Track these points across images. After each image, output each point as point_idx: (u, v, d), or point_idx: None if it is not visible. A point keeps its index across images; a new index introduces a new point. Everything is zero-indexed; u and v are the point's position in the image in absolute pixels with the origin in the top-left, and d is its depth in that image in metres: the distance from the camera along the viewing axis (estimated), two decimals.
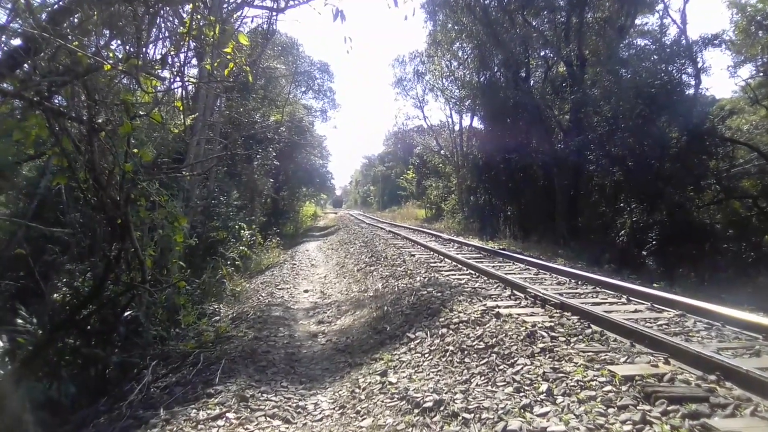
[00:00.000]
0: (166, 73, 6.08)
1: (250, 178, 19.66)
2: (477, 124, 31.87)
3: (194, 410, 4.45)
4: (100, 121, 5.31)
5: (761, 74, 20.94)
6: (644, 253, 20.36)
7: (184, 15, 5.41)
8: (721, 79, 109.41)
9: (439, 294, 7.62)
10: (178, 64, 5.87)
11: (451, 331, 5.81)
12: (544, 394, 3.78)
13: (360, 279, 11.59)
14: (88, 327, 6.40)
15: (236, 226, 13.87)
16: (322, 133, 46.34)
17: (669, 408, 3.35)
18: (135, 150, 5.79)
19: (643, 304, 6.56)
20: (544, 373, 4.13)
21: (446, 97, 34.03)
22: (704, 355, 4.06)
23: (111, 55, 5.24)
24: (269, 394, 5.02)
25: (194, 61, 9.71)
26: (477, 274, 9.36)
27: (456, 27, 28.70)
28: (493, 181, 26.46)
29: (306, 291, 11.63)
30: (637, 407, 3.41)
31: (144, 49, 6.04)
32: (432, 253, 13.00)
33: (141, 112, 5.78)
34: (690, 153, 19.27)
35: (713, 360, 3.96)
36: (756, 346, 4.66)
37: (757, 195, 20.75)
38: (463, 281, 8.58)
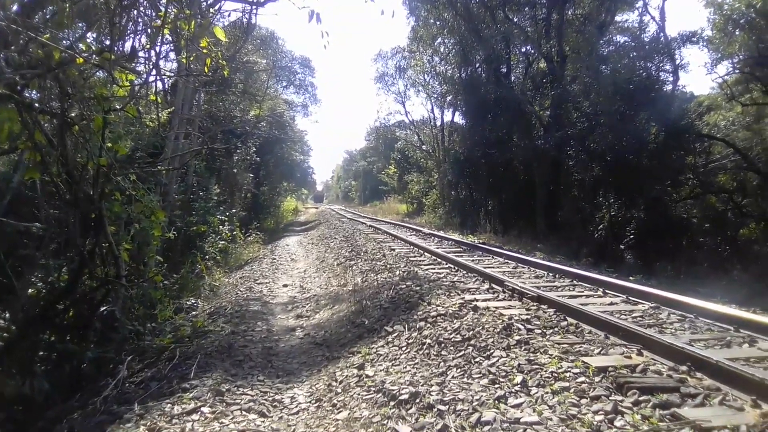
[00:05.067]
0: (141, 67, 6.02)
1: (229, 173, 19.52)
2: (458, 119, 32.06)
3: (169, 405, 4.41)
4: (73, 114, 5.24)
5: (738, 71, 21.25)
6: (622, 247, 20.61)
7: (161, 7, 5.33)
8: (698, 76, 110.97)
9: (418, 288, 7.63)
10: (154, 57, 5.80)
11: (428, 325, 5.83)
12: (519, 386, 3.81)
13: (340, 273, 11.57)
14: (63, 322, 6.32)
15: (215, 221, 13.77)
16: (303, 128, 46.08)
17: (640, 398, 3.40)
18: (110, 144, 5.73)
19: (619, 296, 6.64)
20: (519, 365, 4.16)
21: (428, 92, 34.16)
22: (676, 346, 4.12)
23: (84, 48, 5.17)
24: (245, 388, 5.00)
25: (172, 55, 9.60)
26: (456, 268, 9.40)
27: (438, 23, 28.78)
28: (474, 176, 26.56)
29: (285, 285, 11.58)
30: (610, 398, 3.45)
31: (120, 43, 5.96)
32: (412, 247, 13.02)
33: (116, 106, 5.71)
34: (668, 149, 19.52)
35: (685, 351, 4.02)
36: (727, 338, 4.74)
37: (732, 190, 21.11)
38: (442, 275, 8.61)
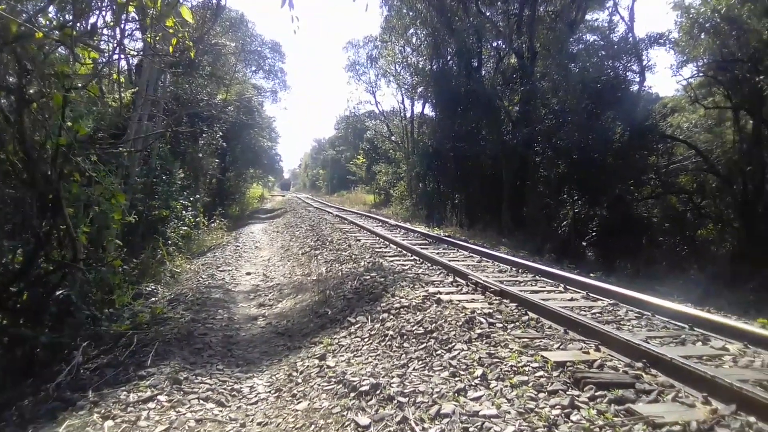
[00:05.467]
0: (105, 45, 5.85)
1: (194, 158, 19.17)
2: (428, 111, 32.02)
3: (125, 392, 4.33)
4: (32, 91, 5.08)
5: (702, 75, 21.71)
6: (584, 243, 20.98)
7: None
8: (664, 78, 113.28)
9: (383, 279, 7.64)
10: (119, 35, 5.65)
11: (391, 316, 5.84)
12: (479, 379, 3.83)
13: (304, 263, 11.51)
14: (17, 305, 6.13)
15: (178, 206, 13.53)
16: (271, 114, 45.71)
17: (597, 393, 3.45)
18: (70, 123, 5.56)
19: (579, 293, 6.73)
20: (480, 358, 4.19)
21: (399, 83, 34.07)
22: (633, 343, 4.20)
23: (45, 22, 5.00)
24: (204, 377, 4.93)
25: (137, 34, 9.36)
26: (421, 260, 9.42)
27: (411, 13, 28.70)
28: (442, 168, 26.64)
29: (248, 273, 11.47)
30: (567, 392, 3.50)
31: (83, 19, 5.78)
32: (378, 238, 13.01)
33: (78, 84, 5.54)
34: (632, 148, 19.90)
35: (641, 348, 4.09)
36: (682, 335, 4.85)
37: (692, 191, 21.65)
38: (406, 267, 8.63)
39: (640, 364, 3.91)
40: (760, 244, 17.67)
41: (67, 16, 5.60)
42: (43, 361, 5.81)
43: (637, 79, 21.25)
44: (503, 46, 26.01)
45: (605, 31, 23.55)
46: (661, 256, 20.39)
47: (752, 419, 3.04)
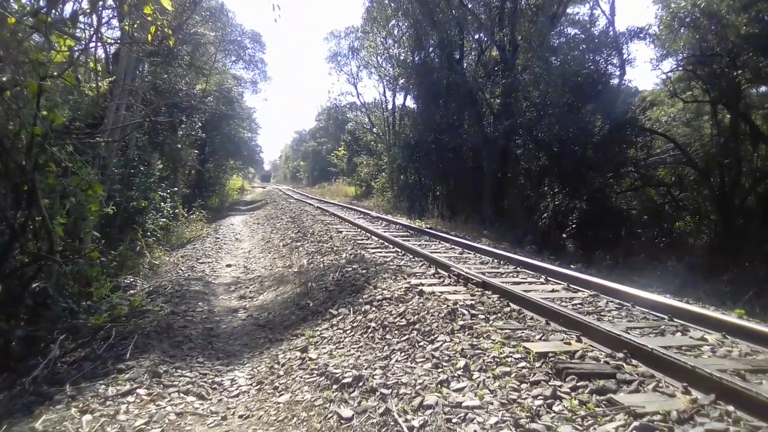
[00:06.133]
0: (81, 33, 5.71)
1: (173, 148, 18.93)
2: (410, 103, 31.99)
3: (103, 386, 4.27)
4: (4, 79, 4.94)
5: (681, 69, 21.90)
6: (564, 235, 21.16)
7: None
8: (644, 72, 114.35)
9: (364, 271, 7.62)
10: (96, 22, 5.53)
11: (374, 308, 5.83)
12: (462, 370, 3.83)
13: (285, 254, 11.45)
14: None
15: (157, 197, 13.37)
16: (251, 105, 45.26)
17: (578, 384, 3.46)
18: (45, 113, 5.43)
19: (560, 284, 6.78)
20: (462, 349, 4.19)
21: (380, 74, 33.92)
22: (613, 333, 4.23)
23: (18, 7, 4.87)
24: (184, 370, 4.88)
25: (115, 22, 9.19)
26: (403, 252, 9.42)
27: (392, 4, 28.59)
28: (424, 160, 26.65)
29: (229, 265, 11.39)
30: (549, 383, 3.51)
31: (59, 5, 5.65)
32: (359, 230, 12.98)
33: (53, 73, 5.41)
34: (611, 141, 20.05)
35: (621, 338, 4.12)
36: (662, 326, 4.90)
37: (671, 184, 21.90)
38: (388, 259, 8.61)
39: (621, 355, 3.94)
40: (737, 237, 17.97)
41: (41, 2, 5.46)
42: (19, 355, 5.70)
43: (618, 73, 21.40)
44: (485, 39, 26.03)
45: (586, 25, 23.66)
46: (640, 247, 20.65)
47: (731, 408, 3.07)
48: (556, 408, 3.18)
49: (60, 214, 6.52)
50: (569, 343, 4.25)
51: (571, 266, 9.74)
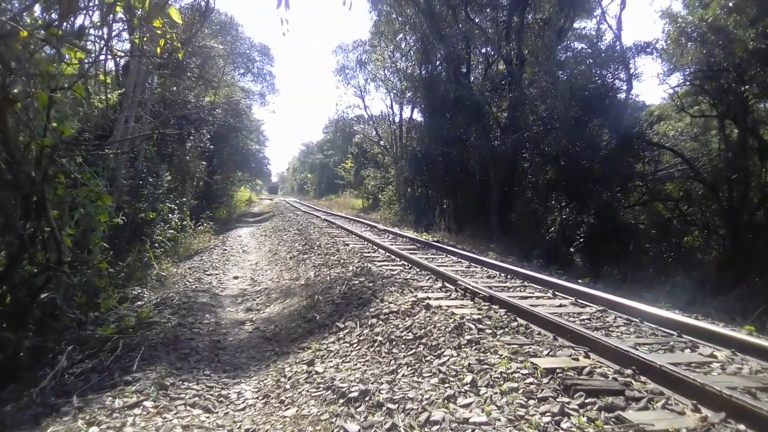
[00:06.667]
0: (92, 45, 5.78)
1: (181, 160, 19.05)
2: (417, 116, 32.11)
3: (110, 398, 4.27)
4: (15, 91, 4.99)
5: (688, 83, 21.90)
6: (572, 250, 21.08)
7: None
8: (651, 86, 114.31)
9: (371, 284, 7.60)
10: (106, 35, 5.58)
11: (380, 322, 5.81)
12: (469, 386, 3.81)
13: (292, 267, 11.45)
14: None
15: (165, 209, 13.42)
16: (260, 118, 45.64)
17: (587, 400, 3.43)
18: (55, 124, 5.48)
19: (568, 299, 6.74)
20: (469, 364, 4.16)
21: (388, 88, 34.12)
22: (622, 349, 4.19)
23: (30, 21, 4.93)
24: (191, 383, 4.87)
25: (125, 35, 9.27)
26: (410, 265, 9.40)
27: (400, 18, 28.77)
28: (431, 173, 26.67)
29: (236, 277, 11.40)
30: (557, 399, 3.48)
31: (70, 18, 5.71)
32: (366, 243, 12.98)
33: (63, 85, 5.46)
34: (619, 155, 19.98)
35: (630, 355, 4.09)
36: (671, 342, 4.86)
37: (678, 198, 21.81)
38: (395, 272, 8.59)
39: (629, 371, 3.91)
40: (746, 252, 17.83)
41: (53, 15, 5.53)
42: (27, 366, 5.71)
43: (625, 87, 21.38)
44: (492, 53, 26.12)
45: (593, 40, 23.72)
46: (648, 262, 20.53)
47: (742, 427, 3.04)
48: (564, 425, 3.15)
49: (69, 225, 6.55)
50: (577, 359, 4.21)
51: (579, 281, 9.69)
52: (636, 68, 23.44)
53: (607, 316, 5.87)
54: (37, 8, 5.65)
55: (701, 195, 21.43)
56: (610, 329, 5.34)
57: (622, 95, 21.35)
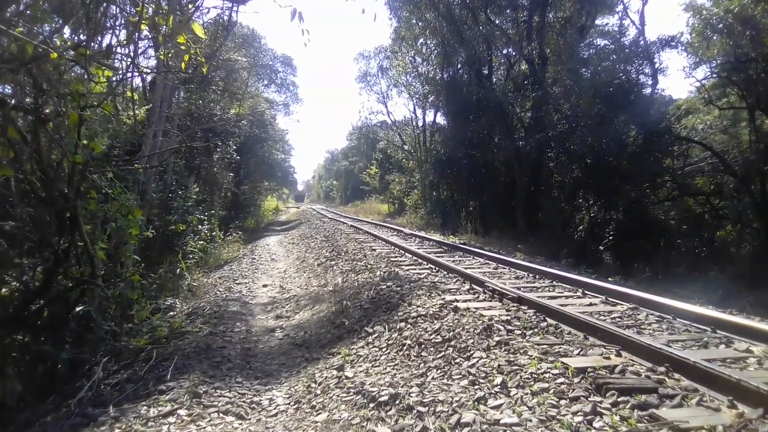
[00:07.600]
0: (119, 63, 5.91)
1: (209, 172, 19.35)
2: (440, 120, 32.13)
3: (145, 407, 4.35)
4: (47, 110, 5.14)
5: (715, 76, 21.54)
6: (601, 248, 20.81)
7: (139, 2, 5.23)
8: (677, 80, 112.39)
9: (399, 288, 7.62)
10: (132, 53, 5.71)
11: (409, 325, 5.82)
12: (499, 387, 3.79)
13: (320, 273, 11.52)
14: (37, 323, 6.19)
15: (194, 220, 13.63)
16: (284, 127, 45.97)
17: (619, 399, 3.39)
18: (85, 141, 5.63)
19: (598, 297, 6.66)
20: (499, 366, 4.15)
21: (410, 92, 34.23)
22: (654, 347, 4.14)
23: (60, 42, 5.07)
24: (223, 390, 4.94)
25: (150, 52, 9.48)
26: (437, 268, 9.38)
27: (420, 23, 28.83)
28: (456, 176, 26.63)
29: (265, 285, 11.51)
30: (589, 399, 3.45)
31: (97, 38, 5.86)
32: (393, 247, 12.99)
33: (93, 103, 5.61)
34: (646, 151, 19.72)
35: (663, 352, 4.03)
36: (704, 339, 4.77)
37: (709, 192, 21.41)
38: (422, 275, 8.59)
39: (662, 369, 3.85)
40: None
41: (81, 36, 5.68)
42: (65, 378, 5.86)
43: (650, 82, 21.13)
44: (513, 53, 26.02)
45: (616, 36, 23.43)
46: (680, 258, 20.15)
47: None
48: (596, 424, 3.13)
49: (101, 239, 6.71)
50: (609, 358, 4.17)
51: (609, 279, 9.58)
52: (661, 62, 23.17)
53: (638, 314, 5.78)
54: (66, 29, 5.82)
55: (733, 188, 21.03)
56: (642, 327, 5.26)
57: (648, 90, 21.12)
